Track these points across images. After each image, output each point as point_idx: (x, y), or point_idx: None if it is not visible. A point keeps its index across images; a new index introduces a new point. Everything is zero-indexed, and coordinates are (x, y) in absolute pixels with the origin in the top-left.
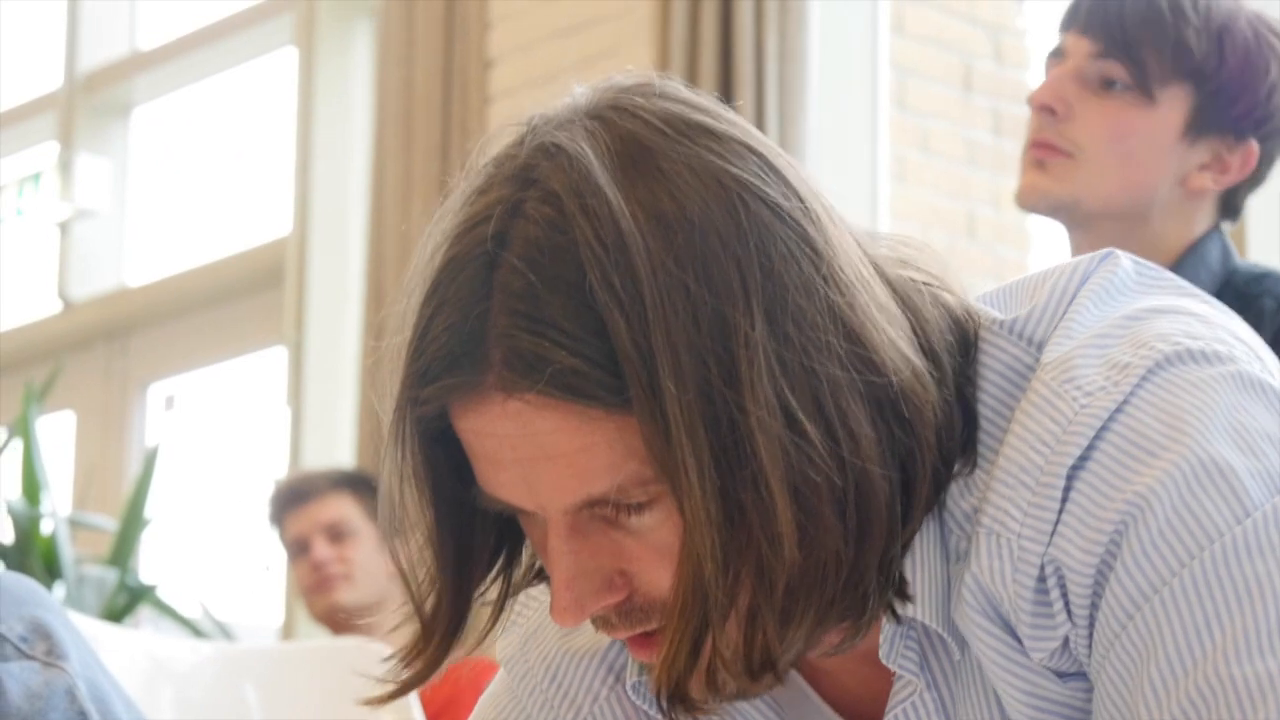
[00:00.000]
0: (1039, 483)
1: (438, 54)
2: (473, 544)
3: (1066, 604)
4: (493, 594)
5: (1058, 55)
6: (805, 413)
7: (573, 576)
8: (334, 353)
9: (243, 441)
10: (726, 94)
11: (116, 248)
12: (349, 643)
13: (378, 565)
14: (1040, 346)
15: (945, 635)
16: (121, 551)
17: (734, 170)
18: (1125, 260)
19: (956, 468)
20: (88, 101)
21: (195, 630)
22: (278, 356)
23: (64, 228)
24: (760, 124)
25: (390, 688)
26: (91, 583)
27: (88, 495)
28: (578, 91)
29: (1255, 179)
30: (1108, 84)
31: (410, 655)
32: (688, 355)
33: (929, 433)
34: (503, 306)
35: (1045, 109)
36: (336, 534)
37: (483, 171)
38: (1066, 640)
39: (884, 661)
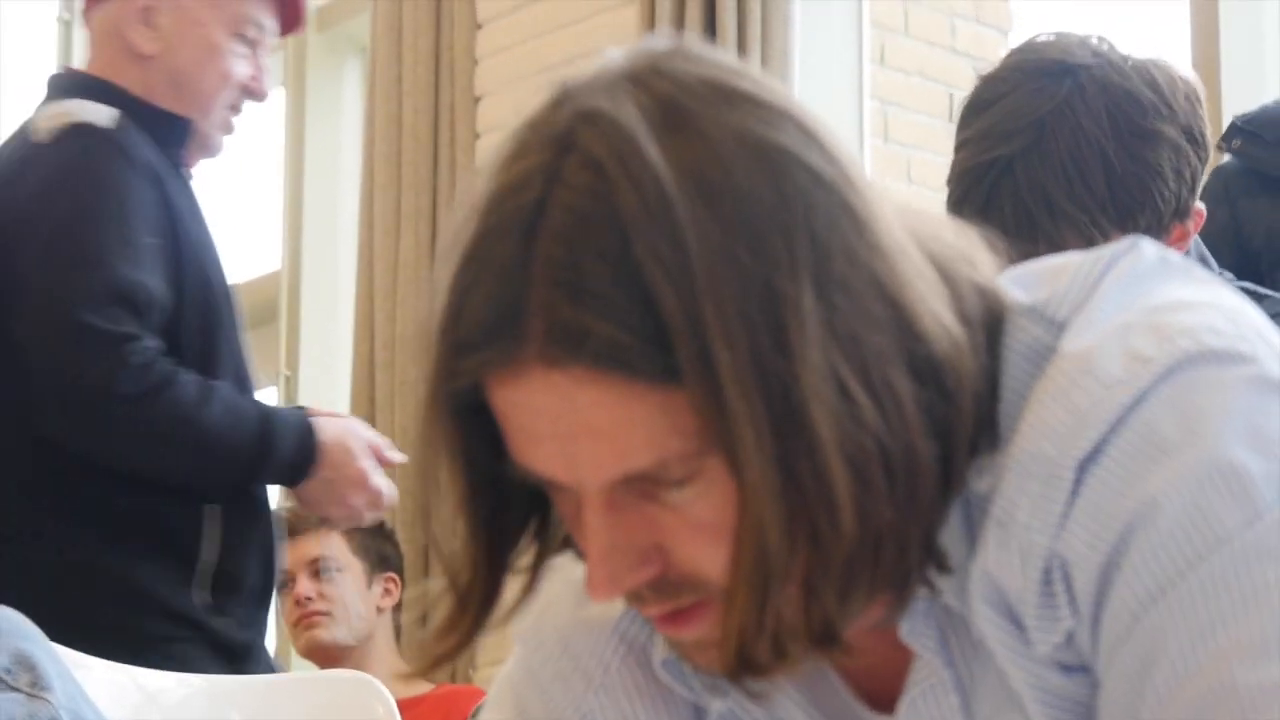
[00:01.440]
0: (1049, 474)
1: (427, 90)
2: (506, 514)
3: (1071, 598)
4: (524, 562)
5: None
6: (856, 381)
7: (608, 551)
8: (327, 388)
9: None
10: None
11: None
12: (339, 674)
13: (363, 602)
14: (1062, 327)
15: (964, 613)
16: None
17: (775, 136)
18: (1149, 248)
19: (981, 445)
20: None
21: None
22: (270, 395)
23: None
24: None
25: (425, 661)
26: None
27: None
28: (611, 55)
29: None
30: None
31: (446, 628)
32: (738, 324)
33: (967, 402)
34: (544, 277)
35: None
36: (320, 570)
37: (517, 136)
38: (1071, 636)
39: (905, 639)
